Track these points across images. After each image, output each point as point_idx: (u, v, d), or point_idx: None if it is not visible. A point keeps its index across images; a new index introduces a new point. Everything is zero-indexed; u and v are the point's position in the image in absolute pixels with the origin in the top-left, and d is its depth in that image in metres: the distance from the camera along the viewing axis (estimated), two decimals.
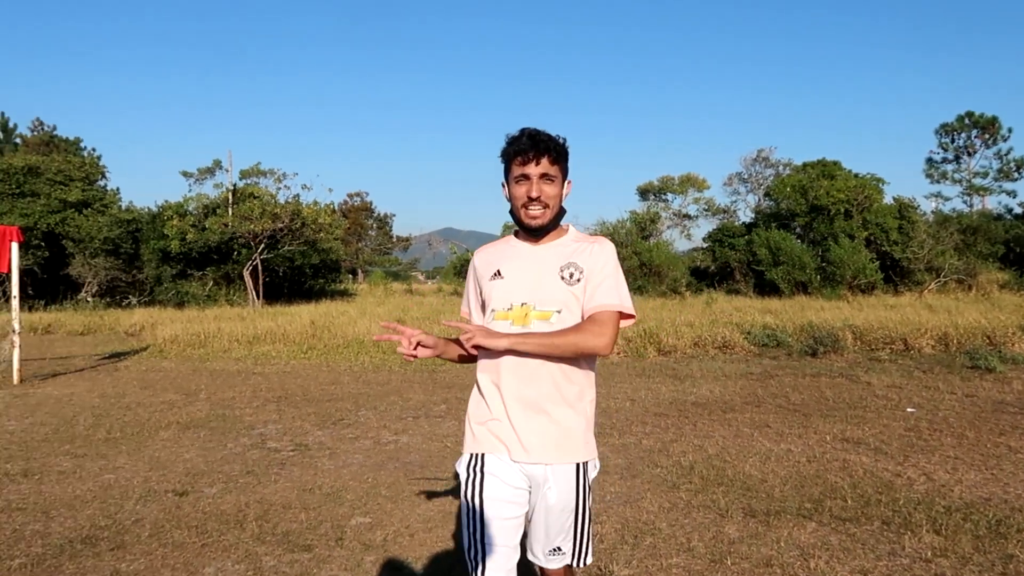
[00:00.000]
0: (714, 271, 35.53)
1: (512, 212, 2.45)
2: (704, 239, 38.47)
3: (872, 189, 32.17)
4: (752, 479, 5.48)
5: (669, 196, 41.97)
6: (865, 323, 14.42)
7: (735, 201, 40.77)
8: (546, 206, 2.38)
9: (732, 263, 34.00)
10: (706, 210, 40.77)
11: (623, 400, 8.83)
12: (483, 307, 2.52)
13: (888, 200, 32.94)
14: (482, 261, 2.56)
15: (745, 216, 39.66)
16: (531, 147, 2.36)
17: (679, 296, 29.48)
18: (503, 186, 2.48)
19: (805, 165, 35.94)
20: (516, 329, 2.35)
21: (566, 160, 2.45)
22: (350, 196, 68.73)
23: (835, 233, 31.00)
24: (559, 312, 2.35)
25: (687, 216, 41.97)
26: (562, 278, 2.37)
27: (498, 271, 2.47)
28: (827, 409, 8.12)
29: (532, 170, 2.36)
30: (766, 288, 30.59)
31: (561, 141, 2.42)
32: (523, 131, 2.41)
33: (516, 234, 2.54)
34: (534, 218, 2.38)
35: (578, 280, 2.37)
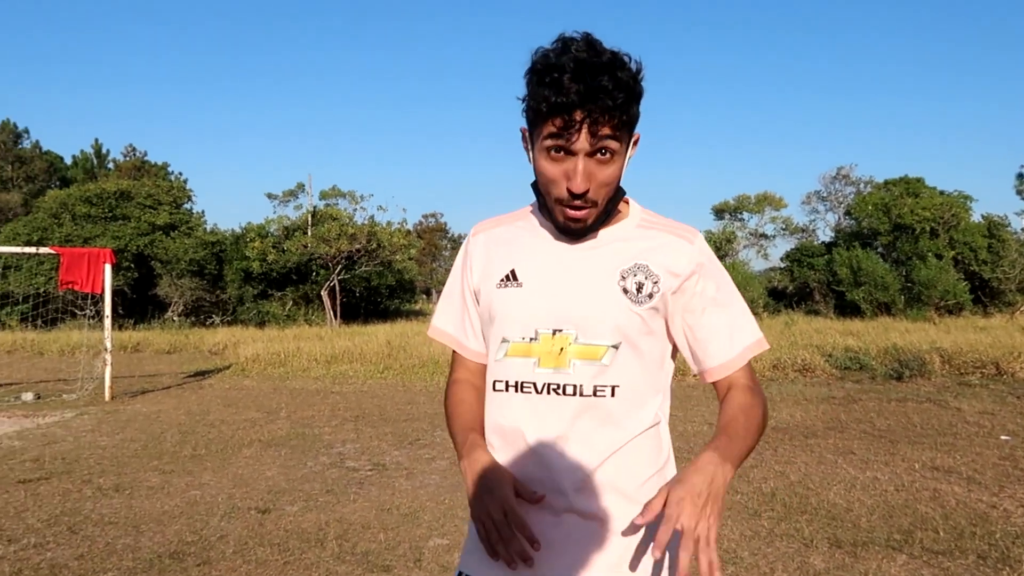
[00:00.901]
0: (792, 292, 34.76)
1: (537, 189, 1.52)
2: (782, 259, 37.67)
3: (959, 207, 31.10)
4: (837, 508, 5.31)
5: (745, 215, 41.30)
6: (953, 346, 13.87)
7: (814, 220, 39.85)
8: (595, 203, 1.45)
9: (811, 283, 33.22)
10: (784, 229, 39.93)
11: (700, 424, 8.69)
12: (485, 327, 1.62)
13: (976, 218, 31.79)
14: (484, 250, 1.64)
15: (824, 235, 38.69)
16: (582, 102, 1.34)
17: (757, 317, 28.78)
18: (523, 137, 1.52)
19: (887, 183, 34.95)
20: (545, 373, 1.47)
21: (636, 109, 1.42)
22: (424, 217, 69.64)
23: (920, 252, 30.02)
24: (615, 348, 1.46)
25: (764, 235, 41.26)
26: (624, 290, 1.47)
27: (512, 273, 1.55)
28: (915, 436, 7.83)
29: (581, 143, 1.38)
30: (847, 309, 29.77)
31: (631, 76, 1.38)
32: (566, 53, 1.36)
33: (542, 209, 1.56)
34: (575, 220, 1.46)
35: (650, 295, 1.48)
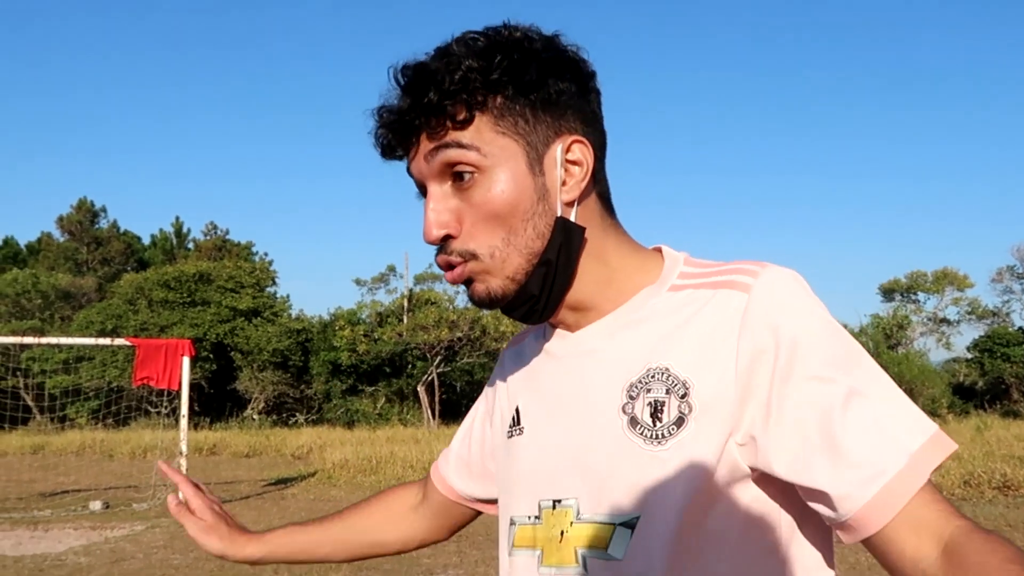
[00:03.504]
0: (983, 388, 33.08)
1: None
2: (968, 348, 35.99)
3: None
4: None
5: (921, 296, 39.87)
6: None
7: (1007, 301, 37.98)
8: (475, 255, 1.02)
9: (1007, 378, 31.56)
10: (969, 313, 38.28)
11: None
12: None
13: None
14: (506, 375, 1.26)
15: (1022, 320, 36.98)
16: (406, 110, 1.01)
17: (939, 419, 27.55)
18: None
19: None
20: (548, 574, 1.05)
21: (508, 85, 0.99)
22: None
23: None
24: (627, 528, 0.97)
25: (945, 320, 39.61)
26: (633, 422, 0.99)
27: (516, 412, 1.19)
28: None
29: (415, 165, 1.05)
30: None
31: (480, 47, 0.99)
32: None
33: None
34: (456, 283, 1.06)
35: (680, 422, 0.96)
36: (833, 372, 0.91)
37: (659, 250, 1.12)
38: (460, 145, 0.99)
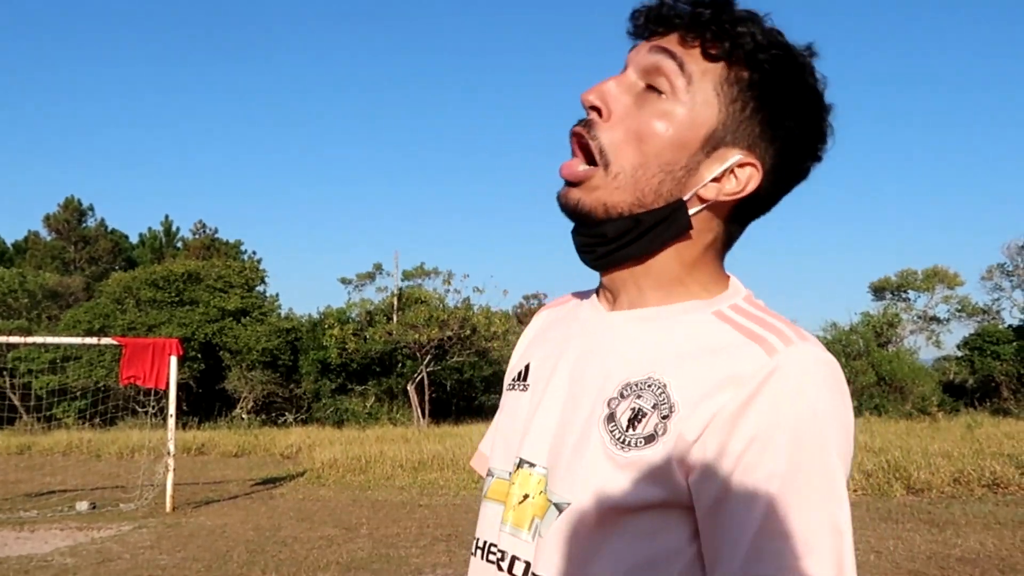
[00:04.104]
0: (973, 386, 33.21)
1: None
2: (958, 346, 36.09)
3: None
4: None
5: (911, 294, 39.95)
6: None
7: (997, 299, 38.01)
8: (602, 153, 1.00)
9: (997, 376, 31.68)
10: (959, 311, 38.37)
11: (867, 552, 8.25)
12: None
13: None
14: (533, 334, 1.28)
15: (1012, 318, 36.98)
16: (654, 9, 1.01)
17: (929, 417, 27.65)
18: None
19: None
20: (506, 533, 1.05)
21: (756, 74, 0.98)
22: (526, 298, 70.08)
23: None
24: (557, 509, 0.99)
25: (935, 319, 39.71)
26: (608, 419, 0.98)
27: (525, 368, 1.19)
28: None
29: (631, 56, 1.04)
30: None
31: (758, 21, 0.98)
32: None
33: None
34: (562, 194, 1.04)
35: (648, 439, 0.94)
36: (783, 472, 0.87)
37: (728, 277, 1.09)
38: (681, 67, 0.98)
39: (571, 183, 1.03)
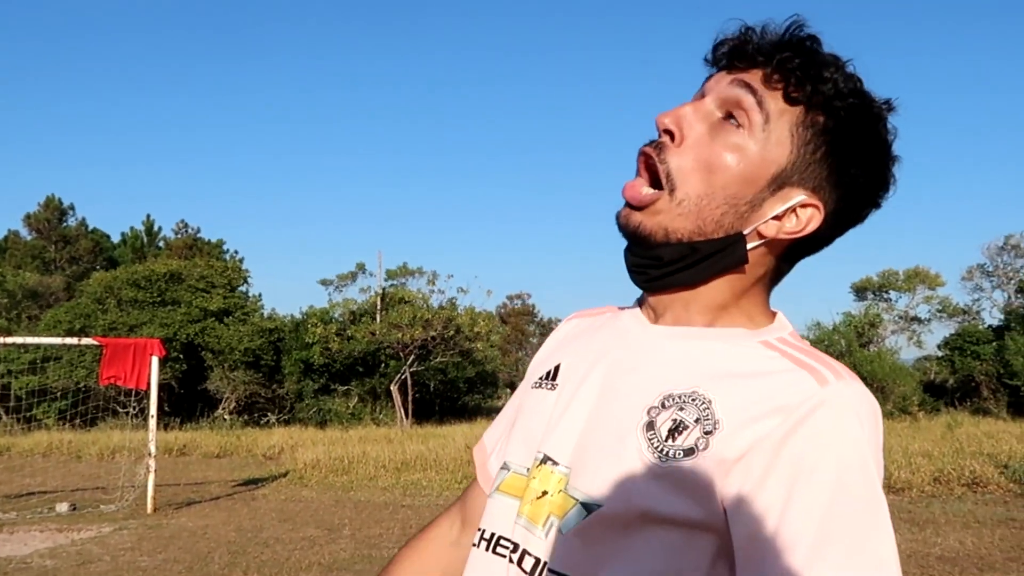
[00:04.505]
0: (954, 386, 33.42)
1: None
2: (939, 346, 36.30)
3: None
4: None
5: (892, 294, 40.16)
6: None
7: (978, 300, 38.25)
8: (668, 177, 1.02)
9: (977, 376, 31.88)
10: (940, 311, 38.59)
11: None
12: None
13: None
14: (561, 338, 1.28)
15: (992, 318, 37.23)
16: (738, 41, 1.04)
17: (910, 417, 27.83)
18: None
19: None
20: (520, 526, 1.06)
21: (831, 121, 1.01)
22: (510, 299, 70.15)
23: None
24: (584, 509, 0.99)
25: (916, 319, 39.94)
26: (647, 426, 0.98)
27: (555, 368, 1.19)
28: None
29: (710, 85, 1.07)
30: None
31: (844, 70, 1.01)
32: None
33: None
34: (621, 214, 1.07)
35: (688, 451, 0.94)
36: (832, 498, 0.87)
37: (774, 313, 1.11)
38: (760, 104, 1.00)
39: (633, 206, 1.05)
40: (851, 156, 1.02)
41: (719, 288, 1.05)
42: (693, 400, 0.97)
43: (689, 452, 0.94)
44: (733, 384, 0.97)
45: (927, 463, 13.18)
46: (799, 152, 1.01)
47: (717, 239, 1.02)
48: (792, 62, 0.99)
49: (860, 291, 42.42)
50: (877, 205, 1.08)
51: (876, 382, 29.97)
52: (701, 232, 1.02)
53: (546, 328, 70.08)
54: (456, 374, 33.45)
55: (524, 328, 68.73)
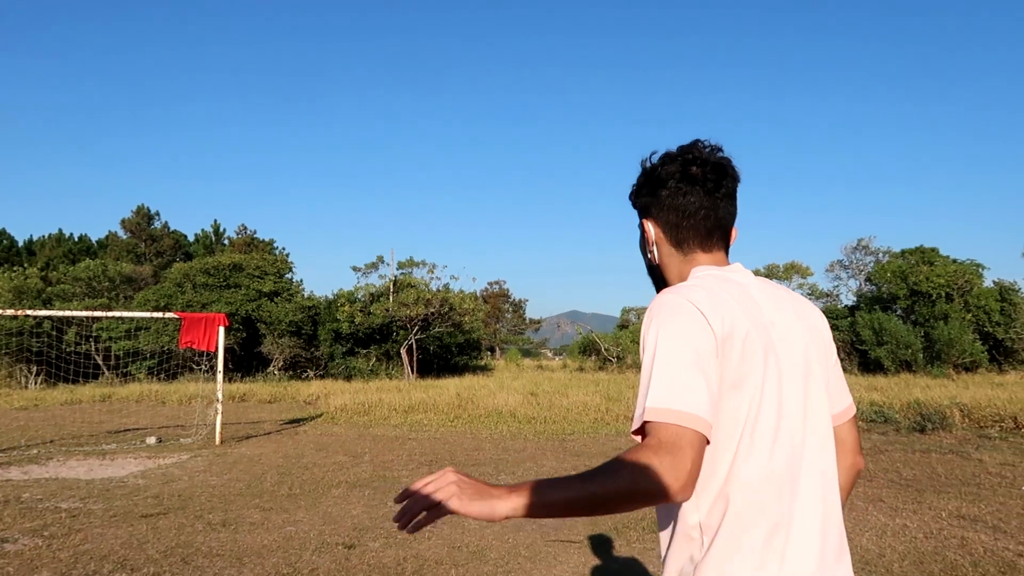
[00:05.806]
0: None
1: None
2: None
3: (972, 274, 30.02)
4: (870, 553, 5.03)
5: (774, 281, 40.51)
6: (972, 401, 13.23)
7: (837, 286, 38.62)
8: None
9: (836, 343, 32.14)
10: (810, 295, 38.95)
11: None
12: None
13: (989, 284, 30.64)
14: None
15: (847, 300, 37.59)
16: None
17: None
18: None
19: (904, 252, 34.00)
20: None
21: (634, 200, 1.57)
22: (490, 284, 70.03)
23: (938, 315, 28.98)
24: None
25: None
26: None
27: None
28: (940, 485, 7.43)
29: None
30: (870, 366, 28.79)
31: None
32: None
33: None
34: None
35: None
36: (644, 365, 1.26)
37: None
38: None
39: None
40: (636, 199, 1.56)
41: (669, 273, 1.54)
42: None
43: None
44: None
45: None
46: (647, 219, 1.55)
47: (648, 263, 1.60)
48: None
49: None
50: (667, 189, 1.49)
51: None
52: (650, 264, 1.59)
53: (517, 306, 70.17)
54: (449, 341, 33.38)
55: (500, 306, 68.76)
